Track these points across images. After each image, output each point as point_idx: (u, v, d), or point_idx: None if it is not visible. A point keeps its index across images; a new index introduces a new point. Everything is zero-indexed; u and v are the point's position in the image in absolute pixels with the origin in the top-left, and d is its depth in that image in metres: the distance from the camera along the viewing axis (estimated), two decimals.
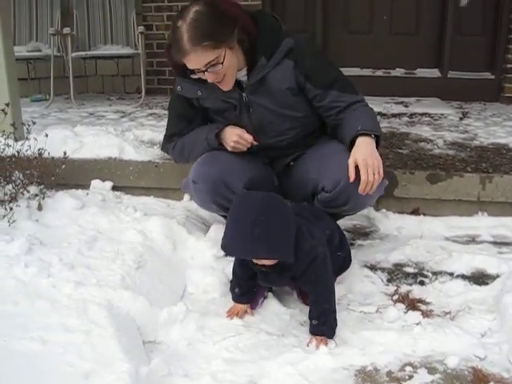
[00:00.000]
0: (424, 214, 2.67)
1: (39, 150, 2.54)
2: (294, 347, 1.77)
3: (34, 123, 2.69)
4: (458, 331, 1.80)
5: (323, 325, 1.78)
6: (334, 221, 2.15)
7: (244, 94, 2.11)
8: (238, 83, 2.09)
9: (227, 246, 1.75)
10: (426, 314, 1.92)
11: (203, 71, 1.96)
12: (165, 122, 2.36)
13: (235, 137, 2.10)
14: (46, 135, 2.67)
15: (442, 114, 4.13)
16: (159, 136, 2.38)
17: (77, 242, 2.18)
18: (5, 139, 2.56)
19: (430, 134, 3.44)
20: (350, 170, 1.90)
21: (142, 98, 4.70)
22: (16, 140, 2.64)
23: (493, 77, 4.82)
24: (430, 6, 4.86)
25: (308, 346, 1.78)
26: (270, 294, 2.06)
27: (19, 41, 4.91)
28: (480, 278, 2.16)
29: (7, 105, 2.63)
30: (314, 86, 2.07)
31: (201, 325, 1.87)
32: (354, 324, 1.90)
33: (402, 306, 1.98)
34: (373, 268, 2.26)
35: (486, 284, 2.12)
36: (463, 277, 2.17)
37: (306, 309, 1.99)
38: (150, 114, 4.20)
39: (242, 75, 2.09)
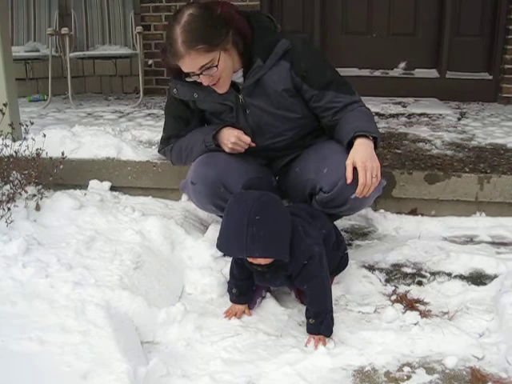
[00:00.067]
0: (422, 215, 2.67)
1: (37, 150, 2.53)
2: (292, 347, 1.77)
3: (32, 123, 2.69)
4: (456, 331, 1.80)
5: (321, 324, 1.79)
6: (331, 221, 2.15)
7: (240, 96, 2.10)
8: (234, 85, 2.08)
9: (223, 245, 1.76)
10: (424, 314, 1.93)
11: (198, 74, 1.96)
12: (163, 122, 2.35)
13: (233, 138, 2.10)
14: (44, 135, 2.66)
15: (440, 115, 4.14)
16: (157, 136, 2.38)
17: (75, 242, 2.18)
18: (2, 139, 2.55)
19: (428, 134, 3.45)
20: (348, 171, 1.90)
21: (140, 98, 4.70)
22: (14, 140, 2.65)
23: (491, 77, 4.83)
24: (428, 7, 4.87)
25: (307, 345, 1.78)
26: (268, 294, 2.06)
27: (17, 41, 4.90)
28: (478, 279, 2.16)
29: (5, 105, 2.62)
30: (311, 87, 2.07)
31: (199, 325, 1.87)
32: (352, 324, 1.90)
33: (400, 307, 1.98)
34: (371, 268, 2.26)
35: (484, 284, 2.12)
36: (461, 277, 2.17)
37: (304, 309, 1.99)
38: (148, 114, 4.20)
39: (238, 77, 2.08)
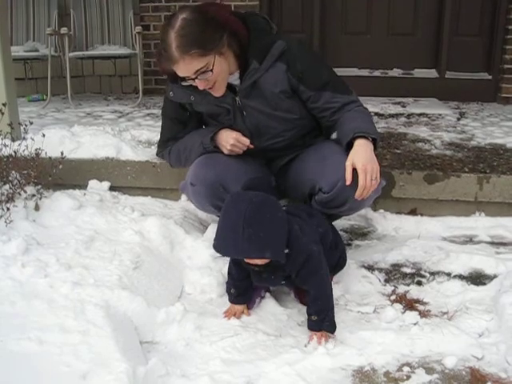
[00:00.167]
0: (421, 215, 2.67)
1: (36, 150, 2.53)
2: (292, 347, 1.77)
3: (31, 123, 2.69)
4: (456, 331, 1.80)
5: (323, 320, 1.78)
6: (331, 221, 2.15)
7: (237, 98, 2.10)
8: (230, 87, 2.08)
9: (219, 247, 1.76)
10: (424, 314, 1.92)
11: (193, 79, 1.95)
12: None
13: (232, 140, 2.10)
14: (43, 135, 2.66)
15: (440, 115, 4.14)
16: (156, 136, 2.38)
17: (74, 242, 2.18)
18: (2, 139, 2.55)
19: (428, 134, 3.45)
20: (348, 172, 1.90)
21: (140, 98, 4.70)
22: (13, 140, 2.64)
23: (490, 77, 4.83)
24: (428, 7, 4.87)
25: (309, 343, 1.78)
26: (268, 294, 2.06)
27: (16, 41, 4.89)
28: (477, 279, 2.16)
29: (4, 105, 2.62)
30: (308, 88, 2.07)
31: (198, 325, 1.87)
32: (352, 324, 1.90)
33: (399, 306, 1.98)
34: (370, 268, 2.26)
35: (484, 284, 2.12)
36: (461, 277, 2.17)
37: (304, 309, 1.99)
38: (148, 114, 4.19)
39: (235, 79, 2.08)
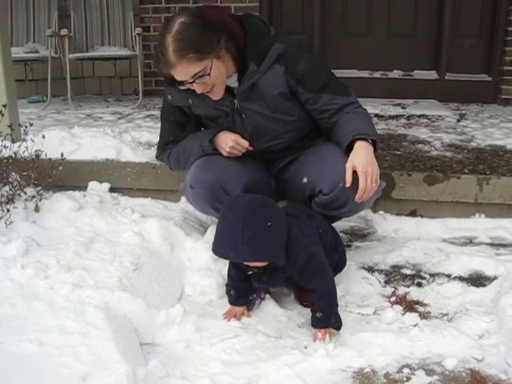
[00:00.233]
0: (421, 216, 2.67)
1: (36, 151, 2.53)
2: (292, 349, 1.77)
3: (31, 124, 2.69)
4: (456, 333, 1.80)
5: (328, 317, 1.78)
6: (331, 222, 2.15)
7: (236, 101, 2.10)
8: (229, 89, 2.08)
9: (218, 250, 1.76)
10: (424, 316, 1.92)
11: (191, 82, 1.95)
12: None
13: (231, 142, 2.10)
14: (43, 137, 2.66)
15: (440, 116, 4.14)
16: (156, 138, 2.38)
17: (74, 243, 2.18)
18: (2, 140, 2.55)
19: (428, 135, 3.45)
20: (348, 174, 1.90)
21: (140, 99, 4.70)
22: (13, 141, 2.64)
23: (490, 79, 4.83)
24: (428, 8, 4.87)
25: (314, 341, 1.77)
26: (268, 296, 2.06)
27: (16, 42, 4.89)
28: (477, 280, 2.16)
29: (4, 106, 2.62)
30: (306, 90, 2.06)
31: (198, 326, 1.87)
32: (352, 326, 1.89)
33: (399, 308, 1.98)
34: (370, 270, 2.26)
35: (484, 286, 2.12)
36: (461, 278, 2.17)
37: (304, 310, 2.00)
38: (148, 116, 4.19)
39: (233, 81, 2.07)
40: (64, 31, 4.51)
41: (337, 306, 1.82)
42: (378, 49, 4.98)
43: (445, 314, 1.94)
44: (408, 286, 2.15)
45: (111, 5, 4.98)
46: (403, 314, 1.94)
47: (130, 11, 4.97)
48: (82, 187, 2.75)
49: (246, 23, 2.06)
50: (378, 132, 2.18)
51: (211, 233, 2.33)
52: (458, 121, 3.99)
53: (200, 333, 1.85)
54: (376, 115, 4.09)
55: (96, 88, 5.53)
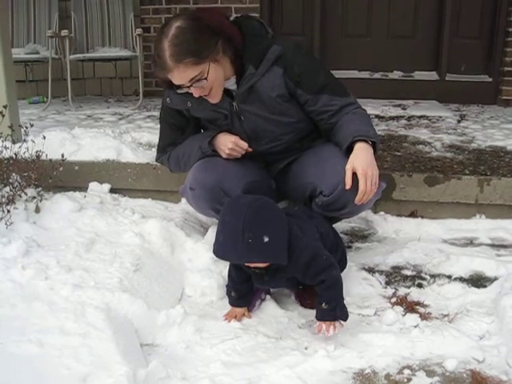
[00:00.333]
0: (422, 217, 2.67)
1: (37, 152, 2.53)
2: (292, 350, 1.77)
3: (32, 125, 2.69)
4: (457, 334, 1.79)
5: (334, 309, 1.76)
6: (331, 223, 2.15)
7: (234, 103, 2.09)
8: (227, 92, 2.07)
9: (219, 251, 1.75)
10: (424, 317, 1.92)
11: (188, 86, 1.95)
12: None
13: (230, 144, 2.10)
14: (44, 137, 2.66)
15: (440, 117, 4.14)
16: (157, 138, 2.38)
17: (74, 244, 2.18)
18: (2, 141, 2.55)
19: (428, 136, 3.45)
20: (348, 176, 1.90)
21: (140, 100, 4.70)
22: (14, 142, 2.64)
23: (490, 79, 4.84)
24: (428, 9, 4.88)
25: (319, 332, 1.76)
26: (268, 297, 2.06)
27: (17, 43, 4.90)
28: (478, 281, 2.16)
29: (5, 107, 2.61)
30: (305, 92, 2.06)
31: (199, 327, 1.87)
32: (353, 327, 1.89)
33: (400, 309, 1.98)
34: (371, 271, 2.26)
35: (485, 286, 2.12)
36: (461, 279, 2.17)
37: (304, 311, 2.00)
38: (148, 117, 4.20)
39: (231, 84, 2.07)
40: (64, 32, 4.52)
41: (343, 298, 1.80)
42: (379, 50, 4.98)
43: (445, 315, 1.94)
44: (408, 287, 2.15)
45: (112, 6, 4.98)
46: (404, 315, 1.94)
47: (131, 12, 4.97)
48: (83, 188, 2.75)
49: (243, 25, 2.05)
50: (379, 133, 2.18)
51: (212, 234, 2.33)
52: (459, 122, 3.99)
53: (200, 334, 1.85)
54: (376, 116, 4.10)
55: (96, 89, 5.54)
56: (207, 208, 2.14)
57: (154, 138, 3.17)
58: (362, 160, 1.90)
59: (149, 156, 2.87)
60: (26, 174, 2.44)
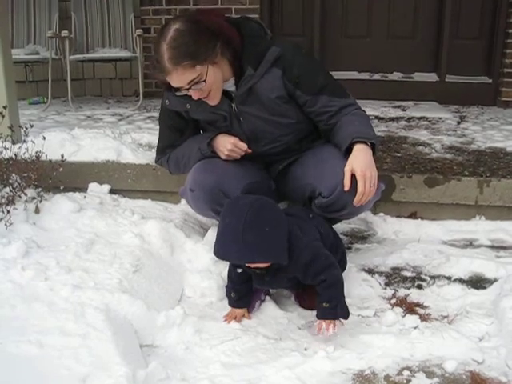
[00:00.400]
0: (422, 218, 2.67)
1: (37, 152, 2.53)
2: (292, 351, 1.77)
3: (32, 126, 2.69)
4: (456, 335, 1.79)
5: (335, 307, 1.76)
6: (331, 224, 2.15)
7: (233, 105, 2.09)
8: (226, 93, 2.07)
9: (220, 252, 1.75)
10: (424, 318, 1.92)
11: (187, 89, 1.95)
12: None
13: (229, 145, 2.10)
14: (44, 138, 2.66)
15: (440, 118, 4.14)
16: (157, 139, 2.39)
17: (74, 245, 2.18)
18: (2, 142, 2.55)
19: (428, 137, 3.45)
20: (346, 178, 1.90)
21: (140, 100, 4.70)
22: (13, 143, 2.64)
23: (490, 81, 4.84)
24: (427, 10, 4.88)
25: (319, 331, 1.76)
26: (268, 298, 2.06)
27: (17, 44, 4.90)
28: (478, 282, 2.16)
29: (5, 107, 2.62)
30: (304, 93, 2.06)
31: (198, 328, 1.87)
32: (352, 328, 1.89)
33: (399, 310, 1.98)
34: (370, 272, 2.26)
35: (484, 288, 2.12)
36: (461, 281, 2.17)
37: (304, 312, 2.00)
38: (148, 117, 4.20)
39: (230, 85, 2.07)
40: (64, 33, 4.52)
41: (344, 297, 1.80)
42: (378, 51, 4.98)
43: (445, 316, 1.94)
44: (408, 288, 2.15)
45: (112, 6, 4.98)
46: (403, 316, 1.94)
47: (131, 13, 4.97)
48: (83, 189, 2.75)
49: (242, 27, 2.05)
50: (378, 134, 2.18)
51: (211, 234, 2.34)
52: (459, 123, 3.99)
53: (200, 335, 1.85)
54: (376, 117, 4.10)
55: (96, 89, 5.54)
56: (207, 209, 2.15)
57: (154, 138, 3.17)
58: (360, 161, 1.90)
59: (148, 157, 2.87)
60: (25, 175, 2.44)
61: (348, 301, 2.05)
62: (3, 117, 2.58)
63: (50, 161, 2.58)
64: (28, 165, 2.47)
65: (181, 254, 2.28)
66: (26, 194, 2.41)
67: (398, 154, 3.02)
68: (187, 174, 2.18)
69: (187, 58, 1.86)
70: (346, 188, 1.90)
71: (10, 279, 1.90)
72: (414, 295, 2.09)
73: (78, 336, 1.63)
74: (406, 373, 1.65)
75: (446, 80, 4.88)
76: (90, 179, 2.81)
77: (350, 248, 2.48)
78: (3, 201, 2.31)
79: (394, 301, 2.06)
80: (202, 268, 2.20)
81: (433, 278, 2.20)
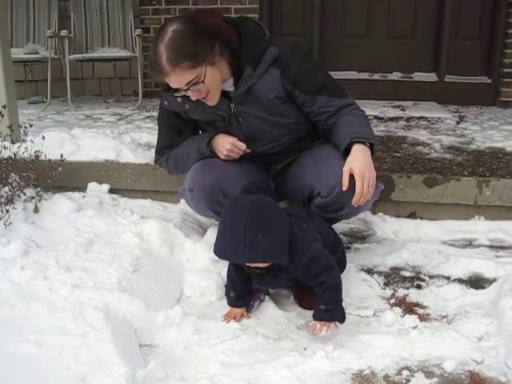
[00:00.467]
0: (421, 218, 2.67)
1: (36, 152, 2.53)
2: (291, 351, 1.77)
3: (31, 125, 2.69)
4: (455, 335, 1.80)
5: (333, 310, 1.77)
6: (330, 224, 2.15)
7: (232, 105, 2.09)
8: (225, 93, 2.07)
9: (220, 251, 1.75)
10: (423, 318, 1.92)
11: (186, 90, 1.95)
12: None
13: (228, 145, 2.10)
14: (43, 137, 2.66)
15: (439, 118, 4.14)
16: (156, 139, 2.39)
17: (73, 244, 2.18)
18: (1, 141, 2.55)
19: (427, 137, 3.45)
20: (344, 178, 1.90)
21: (139, 100, 4.70)
22: (13, 142, 2.64)
23: (489, 81, 4.84)
24: (427, 10, 4.88)
25: (313, 331, 1.77)
26: (267, 297, 2.06)
27: (16, 43, 4.89)
28: (477, 282, 2.16)
29: (4, 107, 2.62)
30: (302, 93, 2.06)
31: (197, 328, 1.87)
32: (351, 327, 1.89)
33: (399, 310, 1.98)
34: (370, 272, 2.26)
35: (483, 288, 2.12)
36: (460, 281, 2.17)
37: (303, 312, 2.00)
38: (147, 117, 4.20)
39: (229, 85, 2.07)
40: (64, 32, 4.51)
41: (341, 301, 1.81)
42: (378, 50, 4.98)
43: (444, 316, 1.94)
44: (407, 288, 2.15)
45: (111, 6, 4.97)
46: (402, 316, 1.94)
47: (130, 12, 4.97)
48: (82, 188, 2.75)
49: (240, 27, 2.05)
50: (378, 134, 2.18)
51: (210, 234, 2.34)
52: (458, 123, 3.99)
53: (199, 334, 1.84)
54: (375, 117, 4.10)
55: (96, 89, 5.53)
56: (206, 209, 2.15)
57: (153, 138, 3.16)
58: (359, 162, 1.90)
59: (148, 156, 2.87)
60: (24, 174, 2.44)
61: (347, 301, 2.07)
62: (2, 116, 2.58)
63: (50, 160, 2.58)
64: (27, 164, 2.47)
65: (180, 254, 2.28)
66: (25, 194, 2.41)
67: (398, 154, 3.02)
68: (186, 174, 2.18)
69: (186, 59, 1.86)
70: (344, 188, 1.90)
71: (9, 279, 1.90)
72: (413, 295, 2.09)
73: (77, 335, 1.63)
74: (405, 373, 1.65)
75: (446, 80, 4.88)
76: (90, 179, 2.80)
77: (349, 248, 2.48)
78: (2, 200, 2.31)
79: (393, 301, 2.06)
80: (202, 267, 2.20)
81: (432, 277, 2.21)
